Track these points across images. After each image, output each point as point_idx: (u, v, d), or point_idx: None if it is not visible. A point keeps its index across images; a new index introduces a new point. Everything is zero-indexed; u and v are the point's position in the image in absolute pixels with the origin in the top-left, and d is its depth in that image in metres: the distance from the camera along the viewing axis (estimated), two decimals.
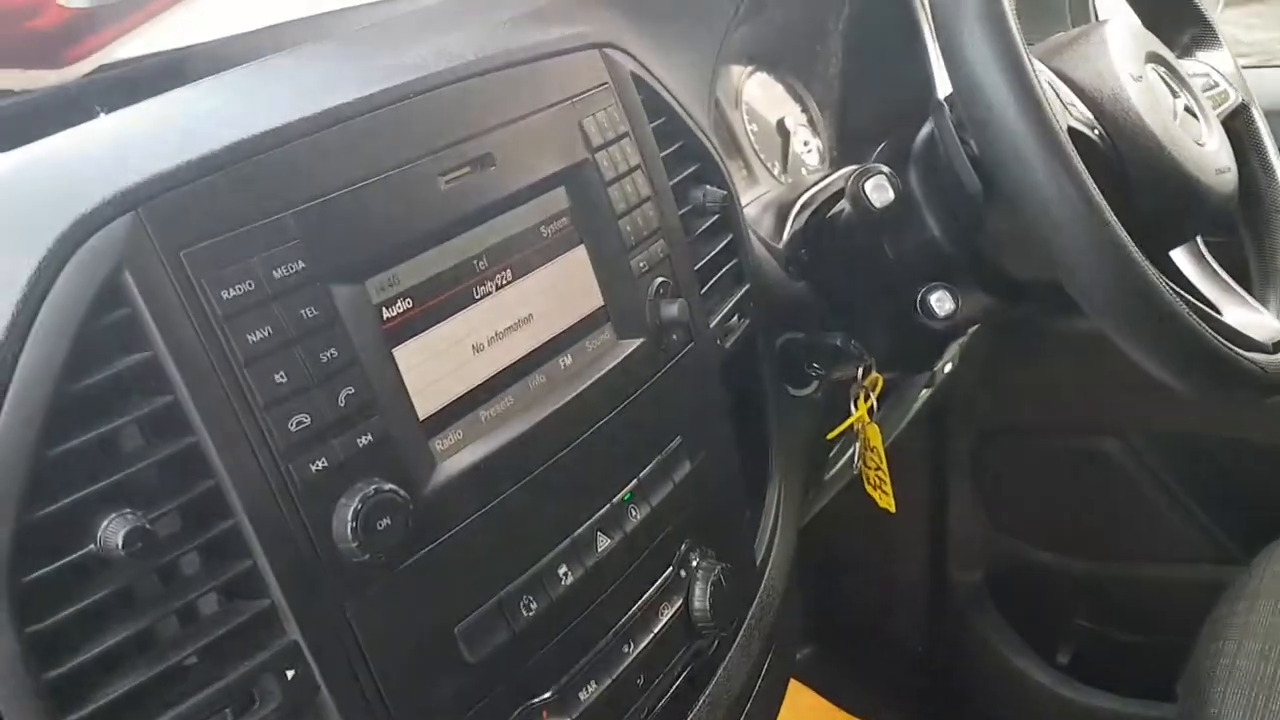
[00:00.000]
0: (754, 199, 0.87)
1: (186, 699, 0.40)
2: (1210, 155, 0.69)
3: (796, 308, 0.79)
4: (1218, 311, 0.70)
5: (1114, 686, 1.35)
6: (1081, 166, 0.58)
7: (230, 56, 0.73)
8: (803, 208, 0.85)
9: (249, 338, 0.42)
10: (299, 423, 0.43)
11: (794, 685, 1.43)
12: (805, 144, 1.06)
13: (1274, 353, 0.68)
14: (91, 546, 0.38)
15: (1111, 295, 0.60)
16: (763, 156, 0.99)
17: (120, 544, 0.38)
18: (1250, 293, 0.77)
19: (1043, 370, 1.30)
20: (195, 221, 0.41)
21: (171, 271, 0.40)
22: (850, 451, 0.92)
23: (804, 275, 0.81)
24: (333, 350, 0.44)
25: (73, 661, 0.38)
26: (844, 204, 0.81)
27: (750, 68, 1.00)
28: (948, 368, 1.13)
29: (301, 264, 0.43)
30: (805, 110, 1.07)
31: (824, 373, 0.80)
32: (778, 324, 0.77)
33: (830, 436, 0.81)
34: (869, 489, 0.83)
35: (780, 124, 1.03)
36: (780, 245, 0.81)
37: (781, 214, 0.85)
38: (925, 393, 1.12)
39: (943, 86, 1.04)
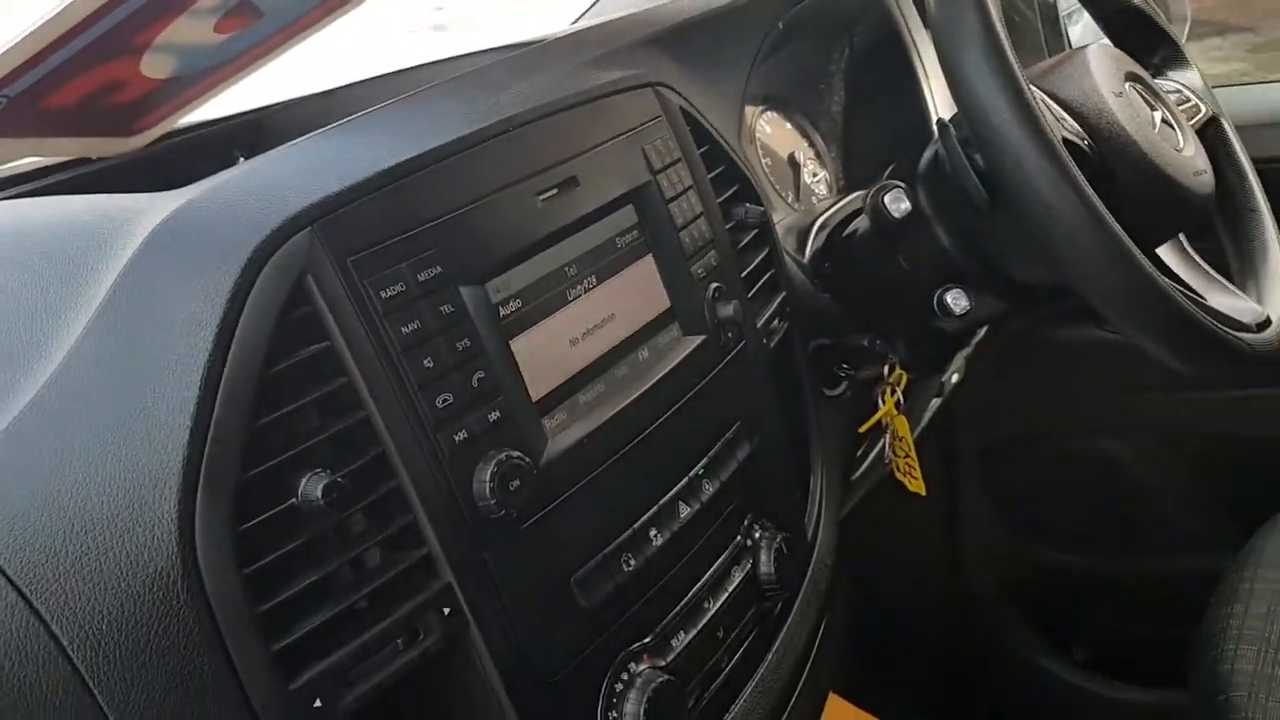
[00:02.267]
0: (776, 223, 0.97)
1: (365, 632, 0.48)
2: (1188, 160, 0.78)
3: (823, 316, 0.88)
4: (1204, 299, 0.79)
5: (1132, 678, 1.40)
6: (1078, 172, 0.66)
7: (306, 116, 0.82)
8: (820, 228, 0.94)
9: (403, 329, 0.50)
10: (444, 400, 0.51)
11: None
12: (814, 175, 1.15)
13: (1258, 332, 0.76)
14: (293, 500, 0.46)
15: (1113, 287, 0.66)
16: (778, 187, 1.09)
17: (319, 495, 0.46)
18: (1231, 283, 0.86)
19: (1043, 378, 1.38)
20: (358, 235, 0.50)
21: (342, 276, 0.49)
22: (877, 449, 1.00)
23: (827, 287, 0.90)
24: (466, 340, 0.53)
25: (279, 597, 0.45)
26: (858, 222, 0.90)
27: (762, 107, 1.10)
28: (955, 378, 1.20)
29: (439, 268, 0.52)
30: (812, 145, 1.16)
31: (852, 373, 0.88)
32: (809, 331, 0.86)
33: (862, 430, 0.89)
34: (899, 476, 0.91)
35: (791, 157, 1.12)
36: (805, 261, 0.90)
37: (801, 236, 0.94)
38: (935, 403, 1.20)
39: (941, 113, 1.14)
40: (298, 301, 0.48)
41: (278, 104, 0.82)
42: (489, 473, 0.51)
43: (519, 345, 0.56)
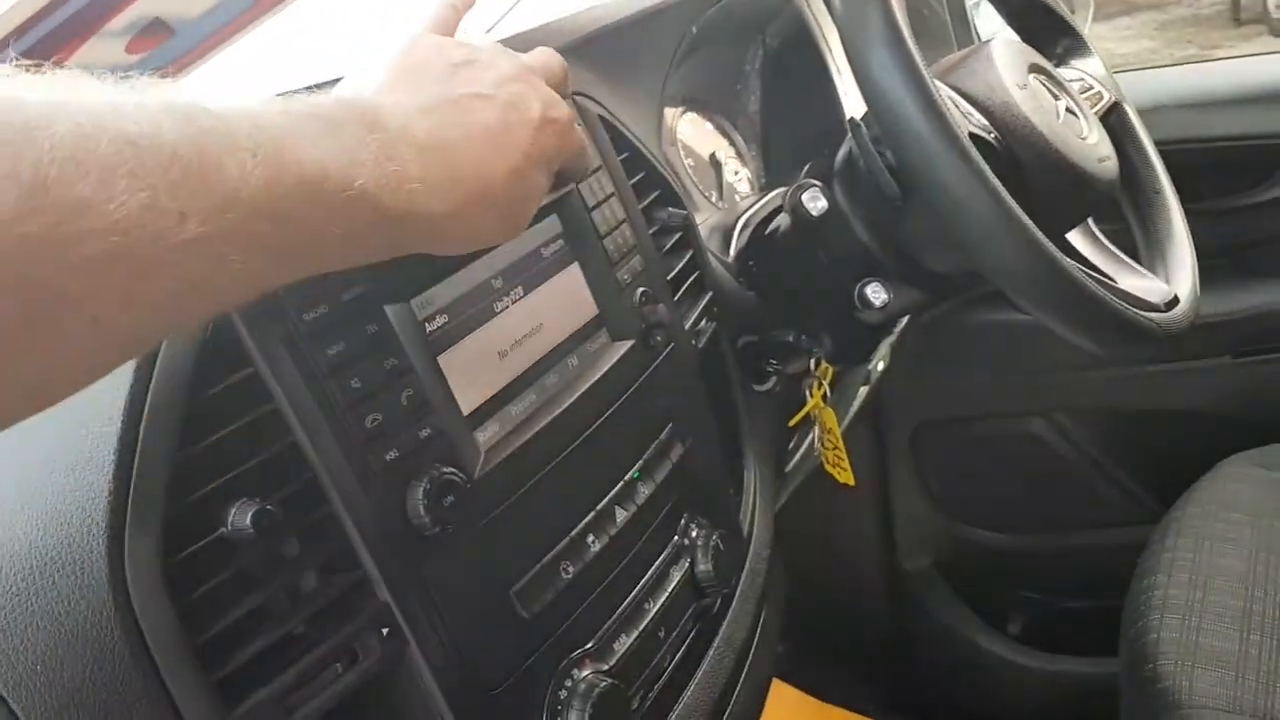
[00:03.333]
0: (699, 223, 0.98)
1: (304, 657, 0.47)
2: (1091, 147, 0.81)
3: (749, 313, 0.89)
4: (1114, 281, 0.82)
5: (1065, 649, 1.45)
6: (985, 165, 0.68)
7: None
8: (744, 227, 0.96)
9: (328, 351, 0.50)
10: (373, 420, 0.51)
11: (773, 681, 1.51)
12: (736, 173, 1.17)
13: (1166, 311, 0.79)
14: (223, 530, 0.46)
15: (1024, 274, 0.68)
16: (700, 187, 1.10)
17: (249, 523, 0.45)
18: (1139, 264, 0.89)
19: (968, 362, 1.41)
20: None
21: (265, 301, 0.48)
22: (807, 443, 1.02)
23: (752, 285, 0.91)
24: (393, 359, 0.53)
25: (215, 627, 0.45)
26: (780, 220, 0.92)
27: (682, 108, 1.11)
28: (881, 365, 1.23)
29: (361, 288, 0.52)
30: (733, 144, 1.18)
31: (780, 368, 0.90)
32: (736, 328, 0.87)
33: (792, 424, 0.91)
34: (828, 468, 0.93)
35: (713, 157, 1.14)
36: (729, 260, 0.92)
37: (725, 234, 0.96)
38: (863, 391, 1.22)
39: (853, 110, 1.17)
40: (219, 328, 0.47)
41: None
42: (421, 490, 0.51)
43: (447, 360, 0.56)
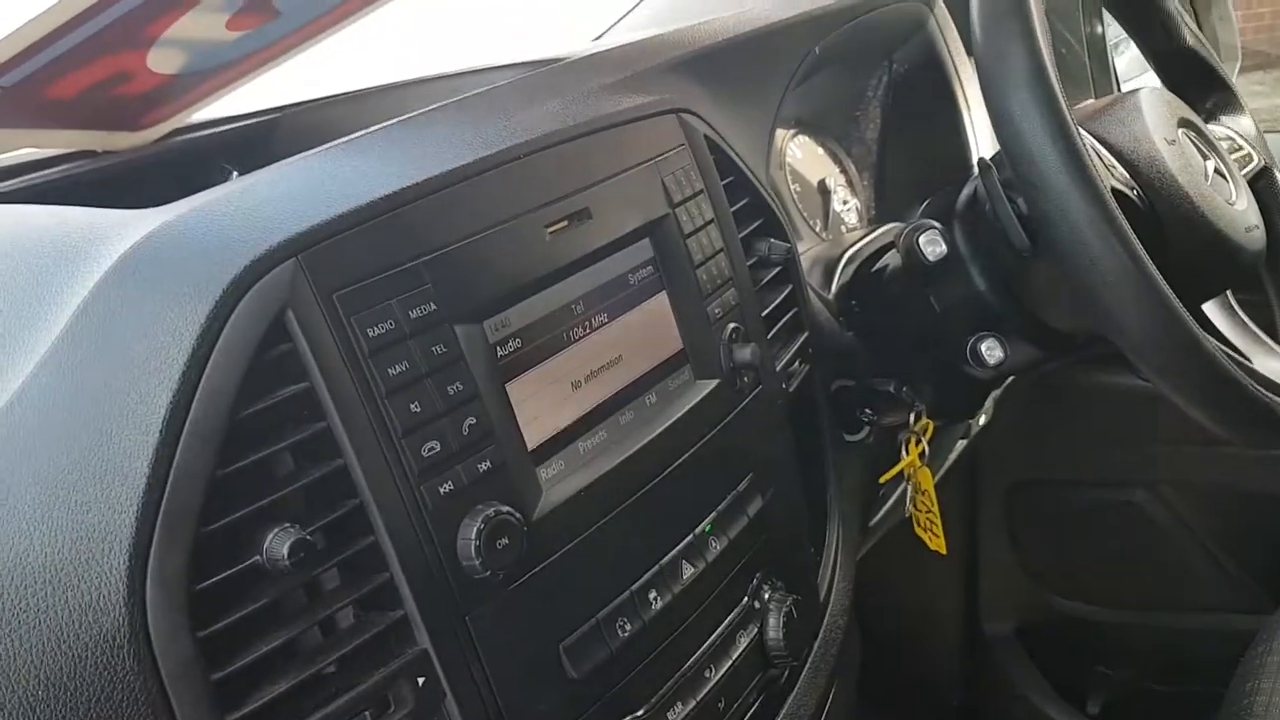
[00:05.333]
0: (801, 253, 0.93)
1: (331, 702, 0.44)
2: (1240, 214, 0.74)
3: (847, 356, 0.83)
4: (1249, 360, 0.74)
5: None
6: (1126, 224, 0.62)
7: (315, 124, 0.79)
8: (849, 261, 0.90)
9: (390, 371, 0.46)
10: (430, 449, 0.47)
11: None
12: (845, 203, 1.11)
13: None
14: (257, 558, 0.42)
15: (1156, 345, 0.63)
16: (805, 214, 1.05)
17: (285, 554, 0.42)
18: (1278, 343, 0.82)
19: (1073, 424, 1.34)
20: (345, 267, 0.46)
21: (326, 312, 0.45)
22: (895, 496, 0.96)
23: (852, 325, 0.85)
24: (458, 384, 0.48)
25: (236, 664, 0.41)
26: (889, 258, 0.86)
27: (793, 130, 1.06)
28: (982, 420, 1.16)
29: (433, 305, 0.48)
30: (844, 171, 1.12)
31: (875, 418, 0.84)
32: (831, 371, 0.81)
33: (883, 480, 0.85)
34: (919, 531, 0.87)
35: (821, 184, 1.08)
36: (830, 296, 0.86)
37: (828, 268, 0.90)
38: (961, 444, 1.15)
39: (978, 150, 1.10)
40: (276, 339, 0.44)
41: (275, 111, 0.78)
42: (475, 529, 0.47)
43: (516, 389, 0.52)
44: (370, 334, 0.46)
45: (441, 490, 0.47)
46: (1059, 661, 1.43)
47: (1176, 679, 1.36)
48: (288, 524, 0.43)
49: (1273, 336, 0.83)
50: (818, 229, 1.06)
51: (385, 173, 0.50)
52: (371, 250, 0.47)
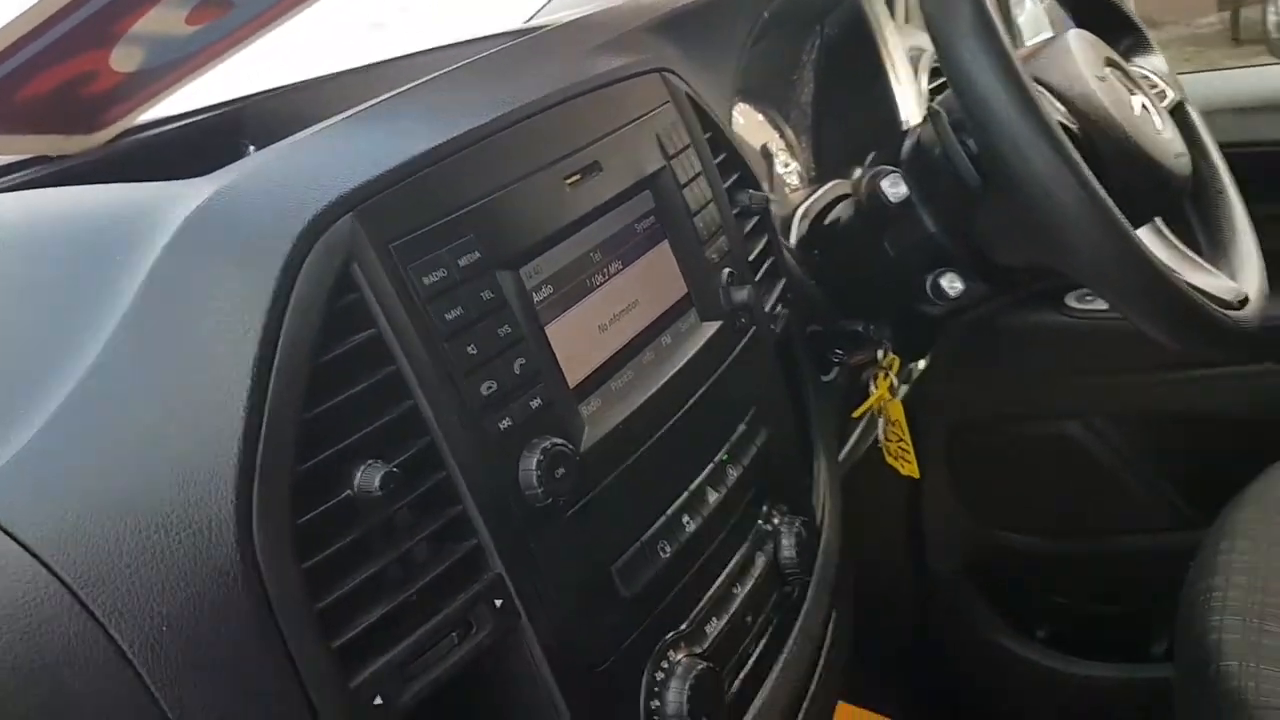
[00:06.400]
0: None
1: (421, 626, 0.46)
2: (1169, 142, 0.81)
3: (813, 303, 0.88)
4: (1185, 278, 0.81)
5: (1093, 655, 1.44)
6: (1077, 154, 0.67)
7: (282, 112, 0.79)
8: (803, 217, 0.95)
9: (447, 315, 0.49)
10: (488, 387, 0.50)
11: None
12: (786, 166, 1.16)
13: (1239, 309, 0.78)
14: (349, 491, 0.45)
15: (1110, 264, 0.68)
16: None
17: (377, 485, 0.44)
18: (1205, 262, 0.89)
19: (1006, 364, 1.40)
20: (398, 220, 0.48)
21: (385, 262, 0.47)
22: (856, 434, 1.02)
23: (814, 275, 0.90)
24: (507, 327, 0.51)
25: (337, 592, 0.44)
26: (840, 210, 0.91)
27: (734, 98, 1.10)
28: (921, 364, 1.23)
29: (478, 254, 0.51)
30: (783, 136, 1.17)
31: (845, 358, 0.89)
32: (803, 317, 0.86)
33: (856, 415, 0.90)
34: (891, 460, 0.93)
35: (764, 148, 1.13)
36: (792, 248, 0.91)
37: (783, 225, 0.95)
38: (903, 389, 1.22)
39: (906, 109, 1.16)
40: (344, 289, 0.46)
41: (238, 102, 0.79)
42: (535, 460, 0.50)
43: (553, 331, 0.55)
44: (426, 281, 0.48)
45: (501, 426, 0.50)
46: (1007, 592, 1.49)
47: (1118, 600, 1.43)
48: (373, 460, 0.45)
49: (1199, 255, 0.91)
50: (765, 191, 1.10)
51: (419, 132, 0.52)
52: (418, 203, 0.50)
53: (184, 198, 0.47)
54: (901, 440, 0.91)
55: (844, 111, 1.16)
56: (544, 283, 0.55)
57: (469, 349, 0.49)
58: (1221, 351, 1.00)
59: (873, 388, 0.89)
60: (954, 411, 1.43)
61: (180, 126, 0.76)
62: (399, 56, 0.81)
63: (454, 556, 0.48)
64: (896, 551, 1.53)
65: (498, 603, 0.49)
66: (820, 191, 0.99)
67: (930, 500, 1.49)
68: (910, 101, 1.16)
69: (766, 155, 1.13)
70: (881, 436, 0.91)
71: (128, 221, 0.47)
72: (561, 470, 0.51)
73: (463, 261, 0.50)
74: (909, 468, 0.92)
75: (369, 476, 0.44)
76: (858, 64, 1.14)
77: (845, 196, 0.92)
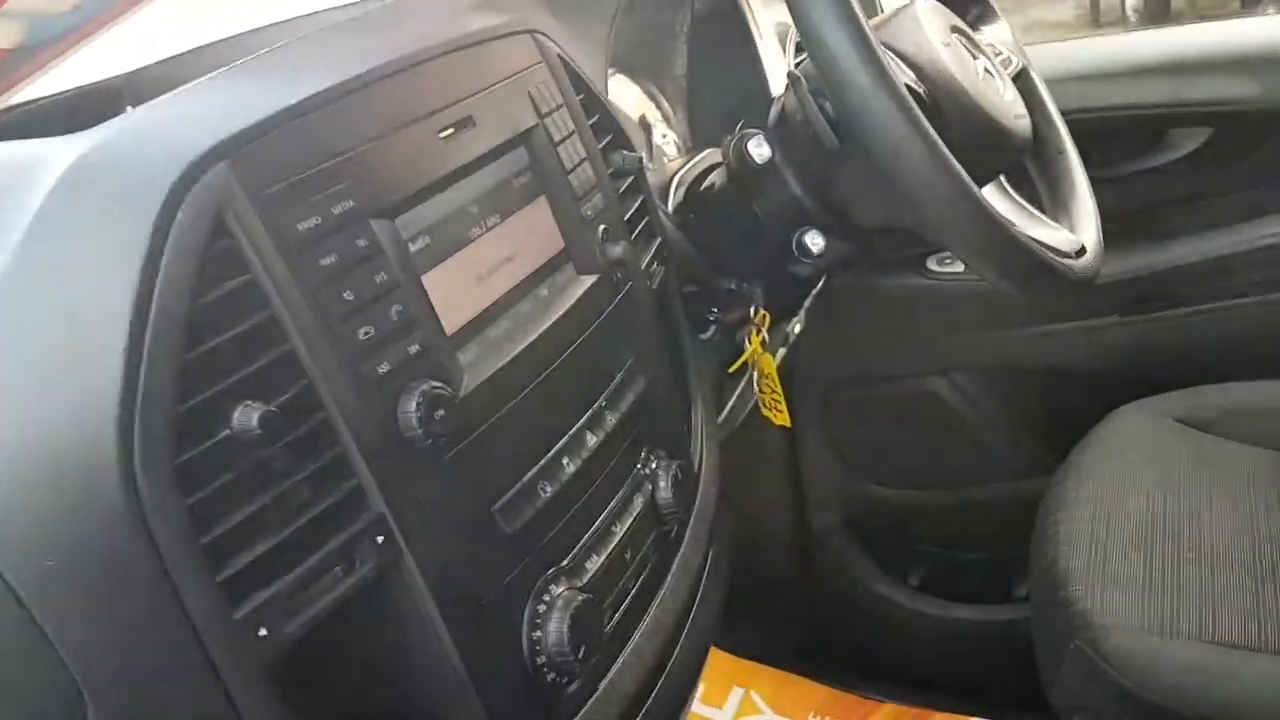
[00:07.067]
0: None
1: (304, 562, 0.48)
2: (1010, 104, 0.86)
3: (689, 264, 0.92)
4: (1027, 231, 0.87)
5: (961, 598, 1.53)
6: (921, 115, 0.72)
7: (164, 83, 0.79)
8: (679, 184, 0.98)
9: (321, 262, 0.50)
10: (366, 332, 0.51)
11: None
12: (664, 136, 1.19)
13: (1076, 259, 0.85)
14: (228, 431, 0.46)
15: (956, 219, 0.73)
16: None
17: (255, 424, 0.45)
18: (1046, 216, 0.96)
19: (873, 326, 1.47)
20: (272, 169, 0.50)
21: (259, 209, 0.48)
22: (735, 395, 1.06)
23: (692, 237, 0.94)
24: (382, 274, 0.53)
25: (221, 528, 0.45)
26: (714, 176, 0.95)
27: (612, 70, 1.13)
28: (798, 328, 1.28)
29: (352, 202, 0.52)
30: (660, 107, 1.20)
31: (720, 316, 0.93)
32: (679, 277, 0.90)
33: (731, 370, 0.94)
34: (765, 412, 0.97)
35: (642, 119, 1.16)
36: (669, 213, 0.94)
37: (660, 192, 0.98)
38: (782, 351, 1.27)
39: (774, 77, 1.20)
40: (218, 235, 0.47)
41: (118, 79, 0.78)
42: (414, 403, 0.52)
43: (430, 280, 0.57)
44: (300, 228, 0.50)
45: (380, 370, 0.52)
46: (883, 542, 1.56)
47: (983, 545, 1.51)
48: (250, 400, 0.46)
49: (1041, 211, 0.97)
50: (645, 160, 1.13)
51: (291, 84, 0.53)
52: (293, 152, 0.51)
53: (57, 155, 0.47)
54: (774, 392, 0.95)
55: (717, 83, 1.20)
56: (421, 233, 0.57)
57: (345, 294, 0.51)
58: (1062, 296, 1.07)
59: (746, 344, 0.93)
60: (827, 372, 1.49)
61: (61, 97, 0.75)
62: (278, 22, 0.81)
63: (335, 495, 0.50)
64: (778, 510, 1.59)
65: (379, 539, 0.51)
66: (696, 160, 1.02)
67: (808, 457, 1.55)
68: (779, 73, 1.20)
69: (644, 126, 1.16)
70: (756, 389, 0.95)
71: (7, 173, 0.47)
72: (441, 413, 0.53)
73: (336, 209, 0.51)
74: (781, 418, 0.97)
75: (247, 416, 0.46)
76: (728, 37, 1.18)
77: (719, 164, 0.96)
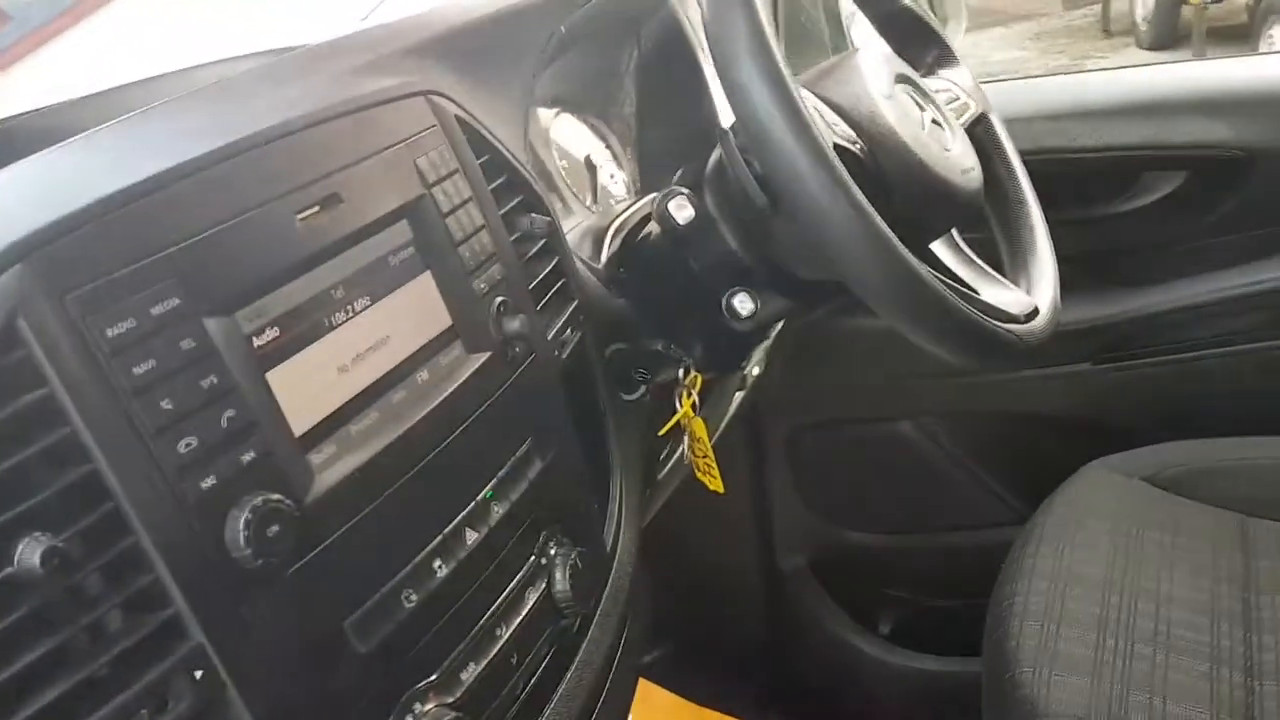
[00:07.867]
0: (572, 227, 0.95)
1: (104, 705, 0.43)
2: (956, 158, 0.81)
3: (620, 321, 0.87)
4: (975, 292, 0.82)
5: (931, 648, 1.48)
6: (847, 176, 0.67)
7: (55, 127, 0.75)
8: (615, 233, 0.94)
9: (134, 370, 0.45)
10: (187, 444, 0.47)
11: (647, 685, 1.51)
12: (611, 176, 1.15)
13: (1025, 323, 0.80)
14: (9, 569, 0.41)
15: (882, 284, 0.68)
16: (574, 190, 1.07)
17: (38, 562, 0.41)
18: (1003, 275, 0.91)
19: (839, 368, 1.42)
20: (78, 268, 0.45)
21: (60, 315, 0.44)
22: (679, 453, 1.01)
23: (624, 292, 0.89)
24: (212, 378, 0.48)
25: (4, 673, 0.40)
26: (651, 226, 0.90)
27: (556, 110, 1.08)
28: (756, 370, 1.23)
29: (177, 300, 0.48)
30: (608, 146, 1.16)
31: (649, 377, 0.88)
32: (605, 336, 0.85)
33: (661, 433, 0.89)
34: (699, 475, 0.92)
35: (588, 160, 1.11)
36: (600, 266, 0.89)
37: (597, 239, 0.93)
38: (739, 396, 1.22)
39: (725, 117, 1.16)
40: (10, 345, 0.43)
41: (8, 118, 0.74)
42: (243, 520, 0.47)
43: (276, 377, 0.52)
44: (109, 334, 0.45)
45: (203, 485, 0.47)
46: (850, 588, 1.52)
47: (952, 593, 1.46)
48: (38, 533, 0.42)
49: (997, 270, 0.92)
50: (588, 203, 1.09)
51: (119, 167, 0.49)
52: (107, 248, 0.46)
53: None
54: (707, 457, 0.91)
55: (666, 122, 1.15)
56: (268, 325, 0.52)
57: (163, 404, 0.46)
58: (1003, 364, 1.02)
59: (678, 405, 0.89)
60: (794, 414, 1.45)
61: None
62: (146, 79, 0.77)
63: (146, 627, 0.45)
64: (744, 553, 1.55)
65: (197, 674, 0.46)
66: (637, 205, 0.98)
67: (775, 502, 1.51)
68: (729, 112, 1.15)
69: (590, 166, 1.12)
70: (688, 454, 0.91)
71: None
72: (275, 528, 0.48)
73: (156, 310, 0.47)
74: (714, 483, 0.92)
75: (30, 552, 0.41)
76: (677, 74, 1.13)
77: None
